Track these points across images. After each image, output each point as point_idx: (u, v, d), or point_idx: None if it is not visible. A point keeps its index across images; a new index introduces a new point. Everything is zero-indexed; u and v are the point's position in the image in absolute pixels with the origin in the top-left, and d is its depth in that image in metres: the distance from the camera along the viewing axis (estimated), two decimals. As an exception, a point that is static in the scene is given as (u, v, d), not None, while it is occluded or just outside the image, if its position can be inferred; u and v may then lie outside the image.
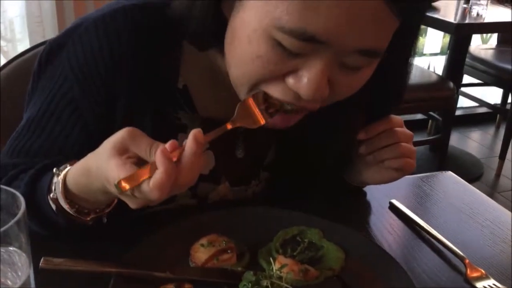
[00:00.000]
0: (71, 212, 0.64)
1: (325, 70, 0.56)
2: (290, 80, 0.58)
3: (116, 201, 0.66)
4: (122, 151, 0.56)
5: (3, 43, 2.19)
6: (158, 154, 0.53)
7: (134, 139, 0.56)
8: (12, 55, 1.38)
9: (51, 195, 0.64)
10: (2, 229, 0.40)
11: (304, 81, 0.56)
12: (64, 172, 0.63)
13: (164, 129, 0.73)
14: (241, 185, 0.84)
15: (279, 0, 0.53)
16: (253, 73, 0.59)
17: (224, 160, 0.80)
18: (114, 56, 0.67)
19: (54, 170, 0.64)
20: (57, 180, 0.63)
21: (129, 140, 0.56)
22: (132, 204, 0.58)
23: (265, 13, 0.54)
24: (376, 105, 0.75)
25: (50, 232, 0.68)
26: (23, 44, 2.18)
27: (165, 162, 0.53)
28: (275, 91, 0.60)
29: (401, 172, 0.77)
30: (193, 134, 0.55)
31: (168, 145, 0.55)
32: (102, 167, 0.57)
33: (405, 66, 0.71)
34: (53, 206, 0.64)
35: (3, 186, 0.44)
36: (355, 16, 0.52)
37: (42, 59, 0.73)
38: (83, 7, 2.19)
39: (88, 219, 0.65)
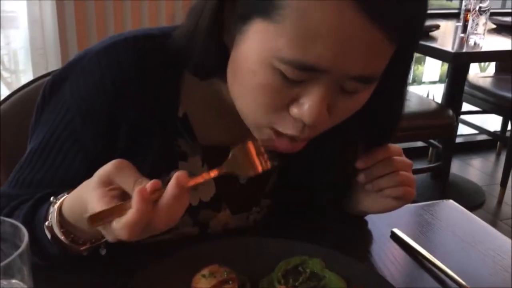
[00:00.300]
0: (65, 241, 0.64)
1: (324, 95, 0.58)
2: (294, 110, 0.60)
3: None
4: (107, 183, 0.56)
5: (6, 75, 2.22)
6: (135, 193, 0.52)
7: (120, 171, 0.56)
8: (16, 86, 1.40)
9: (46, 223, 0.64)
10: (5, 262, 0.40)
11: (306, 108, 0.58)
12: (60, 200, 0.63)
13: (165, 157, 0.73)
14: (242, 212, 0.84)
15: (278, 33, 0.55)
16: (258, 103, 0.61)
17: (226, 187, 0.80)
18: (116, 85, 0.69)
19: (52, 198, 0.64)
20: (53, 209, 0.63)
21: (115, 172, 0.56)
22: (108, 237, 0.57)
23: (266, 46, 0.56)
24: (373, 133, 0.76)
25: (47, 262, 0.67)
26: (26, 75, 2.21)
27: (139, 203, 0.52)
28: (281, 123, 0.62)
29: (401, 201, 0.78)
30: (176, 177, 0.53)
31: (149, 185, 0.53)
32: (86, 197, 0.56)
33: (400, 94, 0.72)
34: (48, 235, 0.64)
35: (6, 218, 0.45)
36: (351, 47, 0.54)
37: (46, 92, 0.74)
38: (86, 39, 2.23)
39: (82, 249, 0.65)
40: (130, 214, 0.52)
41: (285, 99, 0.60)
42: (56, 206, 0.63)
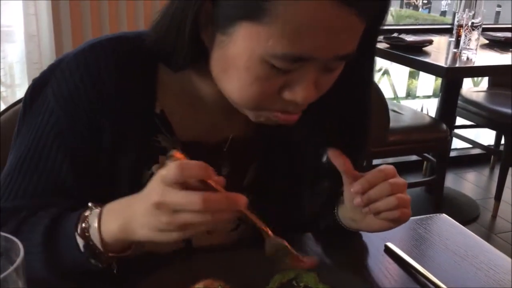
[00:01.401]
0: (100, 247, 0.65)
1: (313, 78, 0.65)
2: (286, 94, 0.66)
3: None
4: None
5: (2, 89, 2.22)
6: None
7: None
8: (11, 100, 1.40)
9: (79, 230, 0.66)
10: (1, 276, 0.40)
11: (298, 92, 0.65)
12: (99, 208, 0.66)
13: (146, 152, 0.76)
14: None
15: (269, 34, 0.60)
16: (253, 94, 0.66)
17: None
18: (96, 84, 0.71)
19: (90, 204, 0.67)
20: (93, 213, 0.66)
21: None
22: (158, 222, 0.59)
23: (257, 45, 0.61)
24: (346, 131, 0.80)
25: (57, 278, 0.69)
26: (22, 89, 2.21)
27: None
28: (275, 105, 0.68)
29: (397, 222, 0.78)
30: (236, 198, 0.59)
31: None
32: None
33: (369, 74, 0.77)
34: (81, 242, 0.66)
35: (2, 233, 0.45)
36: (334, 34, 0.61)
37: (27, 99, 0.76)
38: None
39: (112, 255, 0.66)
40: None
41: (277, 86, 0.66)
42: (95, 212, 0.66)
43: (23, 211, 0.71)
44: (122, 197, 0.74)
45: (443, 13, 4.91)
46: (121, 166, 0.75)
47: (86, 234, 0.66)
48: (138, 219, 0.62)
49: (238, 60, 0.64)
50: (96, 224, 0.65)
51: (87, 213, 0.67)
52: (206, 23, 0.65)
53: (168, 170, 0.57)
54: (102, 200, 0.71)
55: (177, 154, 0.60)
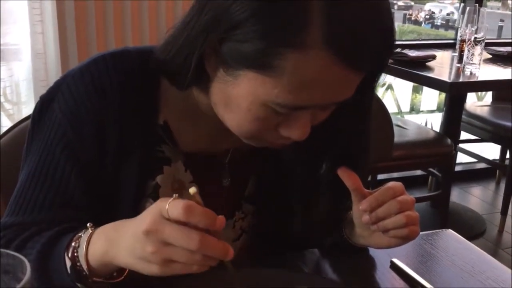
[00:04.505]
0: (85, 269, 0.65)
1: (309, 118, 0.68)
2: (282, 130, 0.69)
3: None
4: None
5: (9, 106, 2.24)
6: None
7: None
8: (18, 118, 1.41)
9: (70, 251, 0.66)
10: (8, 294, 0.40)
11: (294, 130, 0.68)
12: (90, 231, 0.65)
13: (150, 162, 0.77)
14: (227, 219, 0.84)
15: (273, 85, 0.62)
16: (251, 130, 0.69)
17: (208, 189, 0.82)
18: (100, 96, 0.73)
19: (88, 225, 0.66)
20: (85, 235, 0.65)
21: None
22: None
23: (261, 92, 0.63)
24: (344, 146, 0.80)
25: None
26: (28, 107, 2.23)
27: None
28: (269, 138, 0.70)
29: (406, 239, 0.78)
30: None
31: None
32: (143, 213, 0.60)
33: (367, 112, 0.79)
34: (68, 263, 0.65)
35: (8, 251, 0.45)
36: (335, 88, 0.64)
37: (35, 115, 0.77)
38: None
39: (97, 280, 0.65)
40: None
41: (275, 124, 0.68)
42: (88, 232, 0.65)
43: (31, 226, 0.72)
44: (127, 207, 0.74)
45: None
46: (126, 177, 0.76)
47: (75, 254, 0.65)
48: (123, 242, 0.60)
49: (240, 100, 0.66)
50: (84, 244, 0.64)
51: (81, 233, 0.66)
52: (211, 54, 0.66)
53: (174, 207, 0.56)
54: (107, 212, 0.72)
55: (196, 195, 0.58)
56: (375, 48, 0.63)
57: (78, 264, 0.65)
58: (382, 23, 0.63)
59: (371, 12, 0.62)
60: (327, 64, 0.60)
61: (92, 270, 0.65)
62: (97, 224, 0.69)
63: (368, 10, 0.61)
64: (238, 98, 0.66)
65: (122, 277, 0.67)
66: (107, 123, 0.74)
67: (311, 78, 0.61)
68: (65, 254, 0.66)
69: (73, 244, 0.66)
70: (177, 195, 0.58)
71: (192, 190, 0.58)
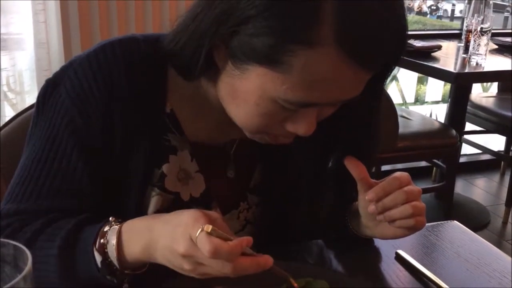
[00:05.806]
0: (116, 264, 0.66)
1: (315, 115, 0.68)
2: (289, 125, 0.69)
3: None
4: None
5: (11, 96, 2.23)
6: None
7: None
8: (21, 107, 1.40)
9: (97, 245, 0.66)
10: (8, 286, 0.40)
11: (301, 126, 0.68)
12: (118, 224, 0.67)
13: (156, 151, 0.77)
14: (231, 209, 0.85)
15: (283, 81, 0.62)
16: (257, 124, 0.69)
17: (214, 181, 0.83)
18: (107, 84, 0.72)
19: (110, 219, 0.68)
20: (112, 229, 0.66)
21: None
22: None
23: (270, 87, 0.63)
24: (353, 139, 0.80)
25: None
26: (31, 96, 2.22)
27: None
28: (274, 131, 0.70)
29: (412, 230, 0.78)
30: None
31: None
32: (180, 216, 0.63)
33: (376, 108, 0.78)
34: (98, 258, 0.66)
35: (9, 240, 0.45)
36: (344, 85, 0.64)
37: (40, 100, 0.76)
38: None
39: (127, 272, 0.67)
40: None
41: (281, 119, 0.68)
42: (114, 229, 0.66)
43: (37, 214, 0.71)
44: (132, 196, 0.74)
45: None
46: (132, 164, 0.76)
47: (105, 250, 0.66)
48: (159, 250, 0.63)
49: (248, 95, 0.66)
50: (114, 242, 0.66)
51: (106, 228, 0.67)
52: (221, 47, 0.65)
53: (201, 246, 0.58)
54: (113, 200, 0.73)
55: (213, 230, 0.59)
56: (387, 47, 0.62)
57: (108, 259, 0.67)
58: (395, 22, 0.62)
59: (384, 11, 0.60)
60: (338, 62, 0.59)
61: (124, 264, 0.67)
62: (103, 213, 0.70)
63: (381, 9, 0.60)
64: (246, 92, 0.66)
65: (146, 268, 0.69)
66: (115, 111, 0.73)
67: (321, 76, 0.61)
68: (93, 249, 0.67)
69: (101, 241, 0.66)
70: (204, 227, 0.59)
71: (207, 227, 0.58)
